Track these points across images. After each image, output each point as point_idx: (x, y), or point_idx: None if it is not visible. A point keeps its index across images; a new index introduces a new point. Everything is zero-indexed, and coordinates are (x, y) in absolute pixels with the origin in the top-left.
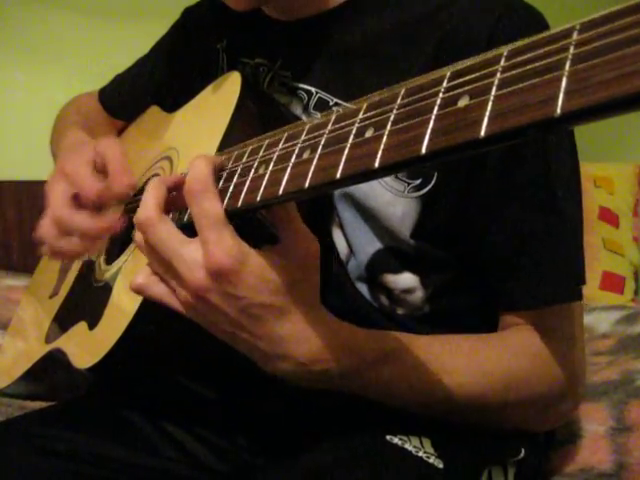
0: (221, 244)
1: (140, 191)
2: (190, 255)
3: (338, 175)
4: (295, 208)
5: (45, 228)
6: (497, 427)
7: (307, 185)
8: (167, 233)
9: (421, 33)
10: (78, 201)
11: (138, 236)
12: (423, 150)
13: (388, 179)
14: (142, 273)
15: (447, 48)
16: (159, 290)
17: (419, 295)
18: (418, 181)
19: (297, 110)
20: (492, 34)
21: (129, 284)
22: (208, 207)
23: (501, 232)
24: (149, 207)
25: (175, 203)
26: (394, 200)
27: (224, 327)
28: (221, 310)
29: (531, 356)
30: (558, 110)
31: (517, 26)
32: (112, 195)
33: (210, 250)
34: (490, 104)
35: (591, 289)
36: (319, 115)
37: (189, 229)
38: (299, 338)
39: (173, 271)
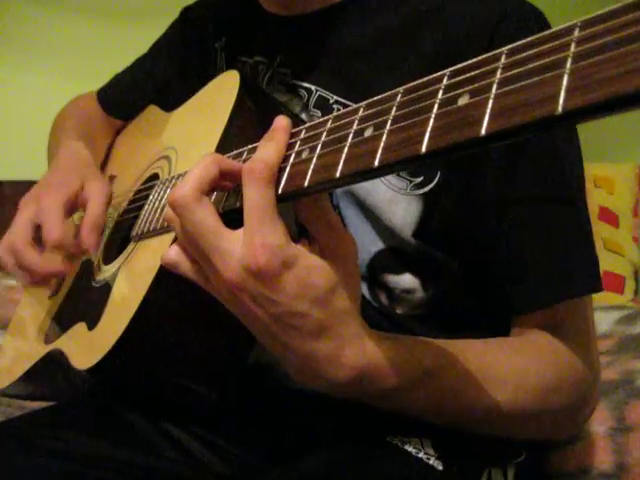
0: (270, 240)
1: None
2: (227, 247)
3: (337, 174)
4: (330, 206)
5: (3, 248)
6: (527, 439)
7: (306, 184)
8: (203, 217)
9: (422, 32)
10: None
11: (169, 213)
12: (423, 149)
13: (390, 177)
14: (175, 248)
15: (447, 48)
16: (191, 270)
17: (419, 296)
18: (420, 179)
19: (297, 108)
20: (493, 34)
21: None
22: (267, 195)
23: (507, 227)
24: (187, 186)
25: (221, 183)
26: (396, 198)
27: (257, 328)
28: (253, 312)
29: (559, 363)
30: (559, 108)
31: (519, 26)
32: (72, 245)
33: (255, 244)
34: (491, 102)
35: None
36: (319, 113)
37: (231, 217)
38: (335, 362)
39: (206, 259)
